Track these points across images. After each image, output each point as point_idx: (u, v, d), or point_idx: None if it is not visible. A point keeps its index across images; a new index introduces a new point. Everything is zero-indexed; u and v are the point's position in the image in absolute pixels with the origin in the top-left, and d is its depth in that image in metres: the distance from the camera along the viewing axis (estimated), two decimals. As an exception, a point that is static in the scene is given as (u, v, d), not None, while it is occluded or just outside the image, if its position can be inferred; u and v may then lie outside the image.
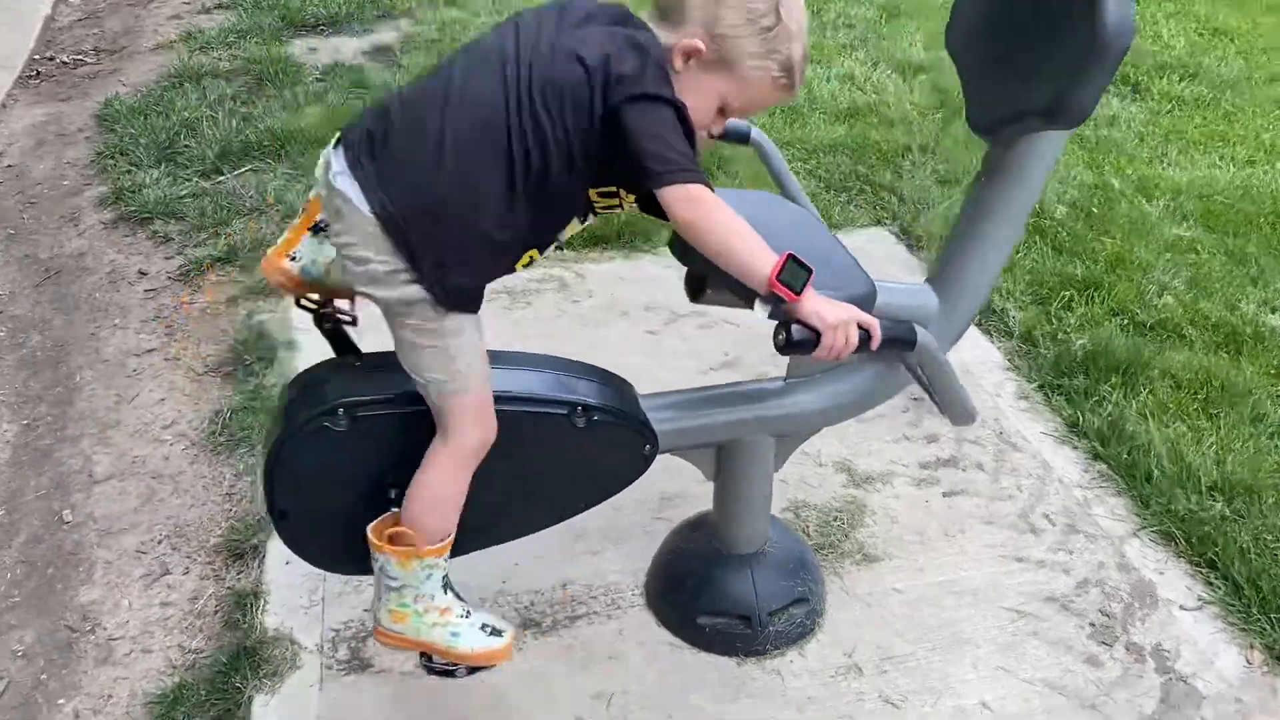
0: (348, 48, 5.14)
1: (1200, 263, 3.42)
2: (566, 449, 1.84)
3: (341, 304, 1.82)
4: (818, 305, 1.47)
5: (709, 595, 2.14)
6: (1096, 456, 2.65)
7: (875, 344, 1.49)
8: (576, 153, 1.49)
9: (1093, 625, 2.22)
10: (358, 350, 1.85)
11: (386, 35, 5.30)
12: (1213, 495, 2.47)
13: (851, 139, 4.25)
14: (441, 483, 1.67)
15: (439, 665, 1.79)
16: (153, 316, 3.19)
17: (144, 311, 3.22)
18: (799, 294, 1.45)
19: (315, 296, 1.81)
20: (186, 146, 4.03)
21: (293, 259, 1.78)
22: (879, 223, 3.72)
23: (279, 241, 1.81)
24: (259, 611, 2.21)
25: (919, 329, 1.55)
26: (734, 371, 2.95)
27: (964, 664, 2.13)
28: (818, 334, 1.46)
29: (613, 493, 1.94)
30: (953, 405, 1.75)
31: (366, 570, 1.90)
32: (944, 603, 2.26)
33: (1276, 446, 2.63)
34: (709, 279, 1.87)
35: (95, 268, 3.43)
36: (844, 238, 2.77)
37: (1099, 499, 2.54)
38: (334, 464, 1.76)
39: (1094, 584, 2.31)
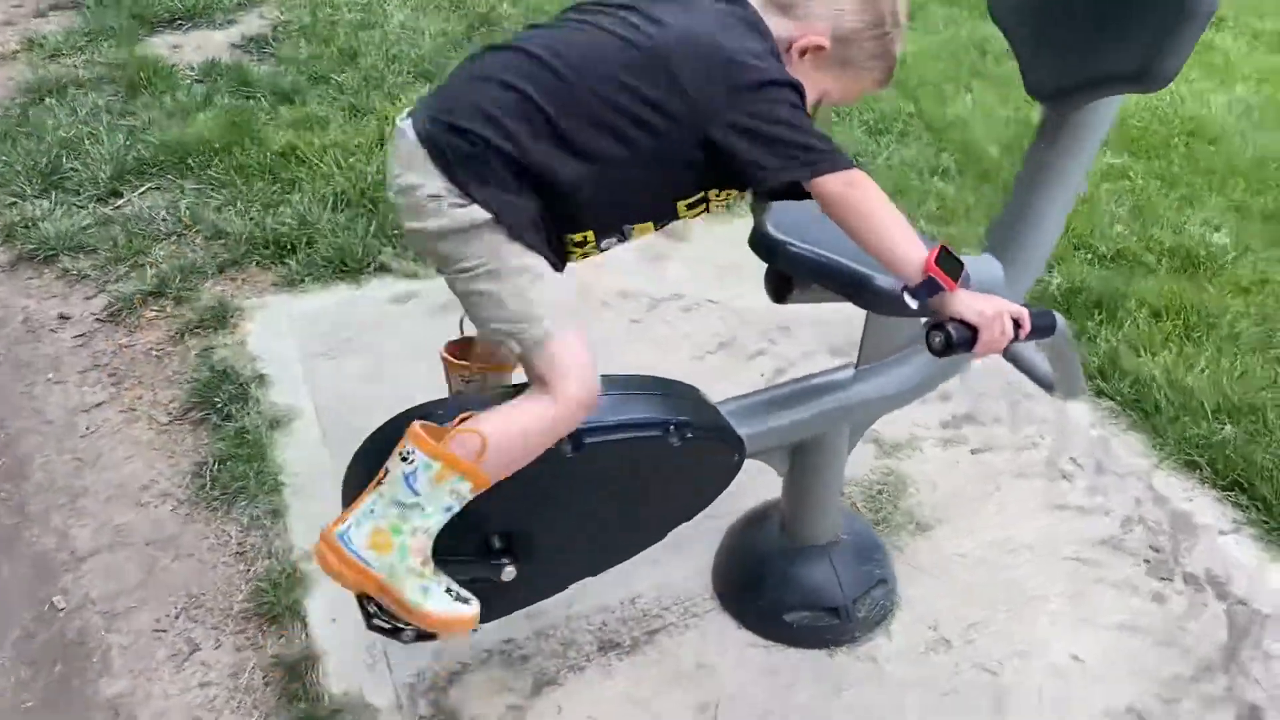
0: (214, 42, 4.77)
1: (1137, 189, 3.55)
2: (661, 470, 1.77)
3: None
4: (972, 299, 1.42)
5: (793, 591, 2.11)
6: (1100, 394, 2.74)
7: (1025, 334, 1.46)
8: (666, 130, 1.42)
9: (1147, 562, 2.29)
10: None
11: (254, 25, 4.95)
12: (1219, 419, 2.58)
13: (773, 96, 4.22)
14: (527, 425, 1.44)
15: (385, 622, 1.53)
16: (91, 365, 2.91)
17: (79, 361, 2.93)
18: (957, 282, 1.41)
19: None
20: (73, 170, 3.66)
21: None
22: (826, 180, 3.71)
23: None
24: (319, 677, 2.06)
25: (1056, 315, 1.54)
26: (730, 353, 2.91)
27: (1042, 620, 2.17)
28: (974, 330, 1.42)
29: (702, 508, 1.88)
30: (1070, 381, 1.75)
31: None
32: (1004, 562, 2.30)
33: (1262, 363, 2.76)
34: (795, 278, 1.80)
35: (6, 318, 3.10)
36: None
37: (1115, 436, 2.62)
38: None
39: (1135, 521, 2.39)
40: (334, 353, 2.90)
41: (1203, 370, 2.73)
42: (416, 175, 1.42)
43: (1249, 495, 2.41)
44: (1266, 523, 2.36)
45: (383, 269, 3.22)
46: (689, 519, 1.87)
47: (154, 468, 2.59)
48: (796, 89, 1.42)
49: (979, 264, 1.93)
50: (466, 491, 1.42)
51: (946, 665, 2.08)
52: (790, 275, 1.80)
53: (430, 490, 1.40)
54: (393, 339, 2.95)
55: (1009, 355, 1.86)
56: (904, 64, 4.48)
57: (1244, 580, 2.25)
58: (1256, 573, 2.27)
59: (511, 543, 1.68)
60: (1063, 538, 2.35)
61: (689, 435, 1.74)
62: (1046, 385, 1.84)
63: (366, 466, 1.67)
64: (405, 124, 1.45)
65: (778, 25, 1.47)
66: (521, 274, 1.43)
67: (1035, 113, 4.02)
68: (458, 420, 1.44)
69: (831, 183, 1.39)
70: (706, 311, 3.05)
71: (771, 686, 2.04)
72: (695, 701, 2.01)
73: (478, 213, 1.40)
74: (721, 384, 2.08)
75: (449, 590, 1.47)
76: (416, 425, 1.42)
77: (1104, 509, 2.42)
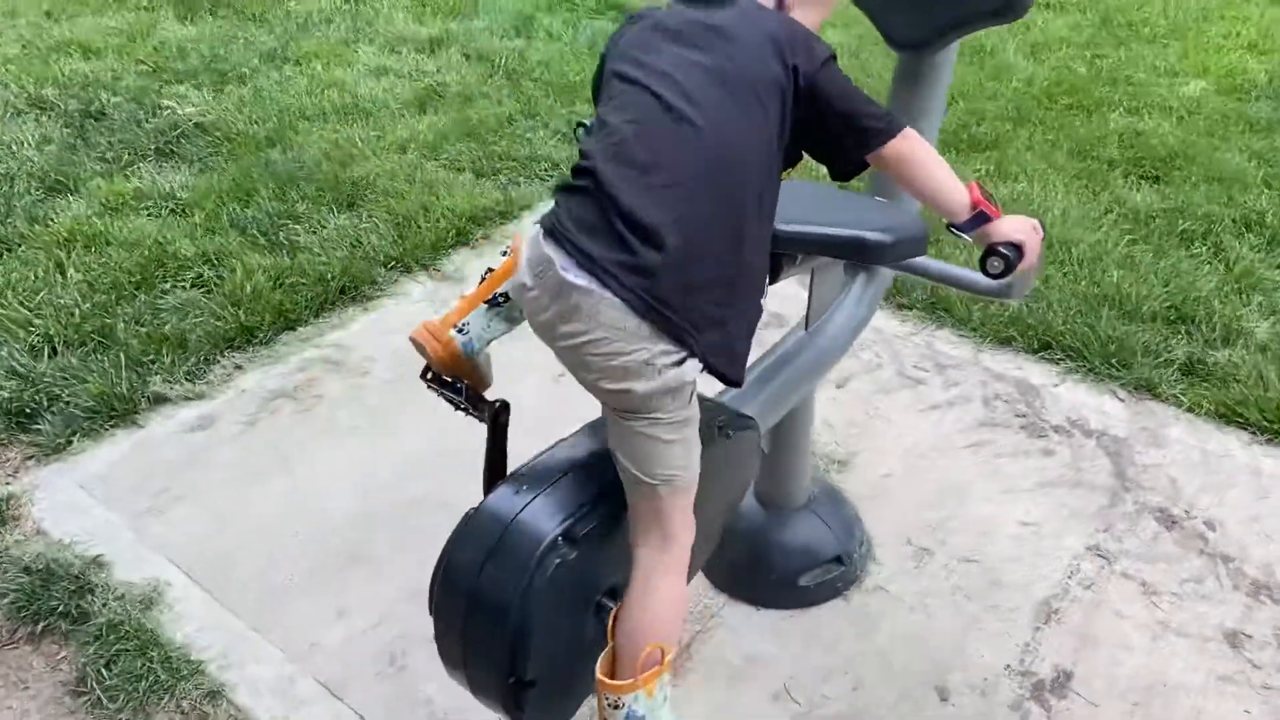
0: None
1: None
2: (723, 469, 1.77)
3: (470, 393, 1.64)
4: (1007, 222, 1.57)
5: (798, 556, 2.19)
6: (900, 307, 3.07)
7: (1041, 237, 1.64)
8: (779, 139, 1.43)
9: (1023, 428, 2.64)
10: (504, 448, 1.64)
11: None
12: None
13: (453, 125, 4.19)
14: (675, 590, 1.51)
15: None
16: None
17: None
18: (996, 206, 1.55)
19: (453, 379, 1.62)
20: None
21: (460, 330, 1.58)
22: (556, 190, 3.77)
23: (445, 313, 1.60)
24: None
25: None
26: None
27: (980, 502, 2.43)
28: (1018, 246, 1.57)
29: (743, 496, 1.91)
30: (1027, 279, 1.94)
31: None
32: (923, 467, 2.53)
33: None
34: (787, 257, 1.86)
35: None
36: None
37: (935, 338, 2.97)
38: (567, 599, 1.53)
39: (993, 399, 2.74)
40: (159, 506, 2.50)
41: (964, 262, 3.15)
42: (628, 343, 1.33)
43: (1060, 350, 2.85)
44: (1083, 367, 2.81)
45: (159, 400, 2.80)
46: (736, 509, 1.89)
47: (9, 708, 2.09)
48: (834, 55, 1.48)
49: (900, 205, 2.10)
50: (669, 678, 1.50)
51: (938, 568, 2.27)
52: (783, 255, 1.86)
53: (649, 703, 1.47)
54: (212, 470, 2.61)
55: (962, 283, 2.06)
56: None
57: (1093, 417, 2.67)
58: (1097, 406, 2.70)
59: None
60: (951, 431, 2.64)
61: (729, 433, 1.76)
62: (998, 293, 2.05)
63: (478, 575, 1.52)
64: (591, 284, 1.31)
65: None
66: (692, 424, 1.43)
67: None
68: (611, 627, 1.49)
69: (896, 145, 1.47)
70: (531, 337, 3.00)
71: (819, 647, 2.11)
72: (766, 690, 2.04)
73: (690, 371, 1.36)
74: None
75: None
76: (601, 677, 1.46)
77: (965, 397, 2.74)
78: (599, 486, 1.57)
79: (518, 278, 1.41)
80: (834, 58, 1.47)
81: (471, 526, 1.55)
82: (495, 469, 1.65)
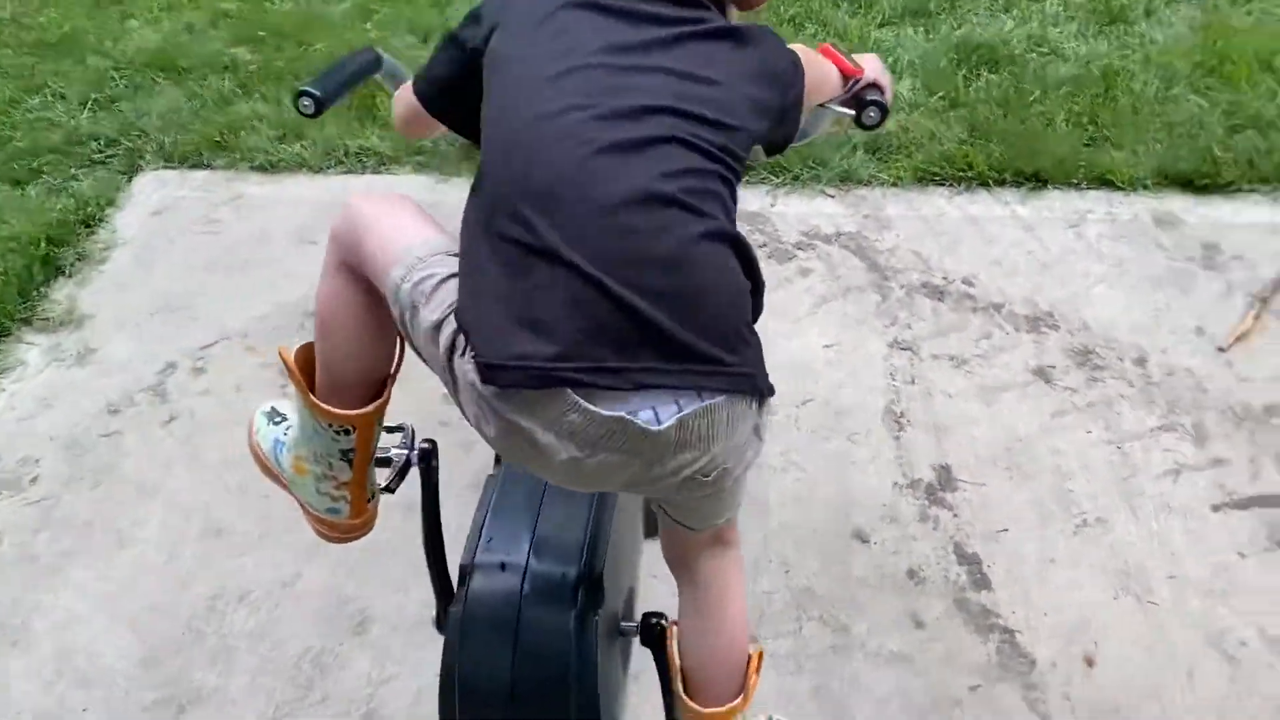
0: None
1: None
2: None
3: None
4: (866, 65, 1.45)
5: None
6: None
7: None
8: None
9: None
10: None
11: None
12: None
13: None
14: (742, 585, 1.34)
15: None
16: None
17: None
18: (859, 65, 1.43)
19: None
20: None
21: (371, 498, 1.35)
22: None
23: (340, 516, 1.32)
24: None
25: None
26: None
27: (779, 342, 2.38)
28: (878, 86, 1.47)
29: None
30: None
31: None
32: (784, 330, 2.44)
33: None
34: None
35: None
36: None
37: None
38: (606, 644, 1.33)
39: (820, 245, 2.68)
40: None
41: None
42: (738, 432, 1.06)
43: (759, 169, 2.85)
44: (788, 179, 2.85)
45: None
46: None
47: None
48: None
49: None
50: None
51: (784, 421, 2.24)
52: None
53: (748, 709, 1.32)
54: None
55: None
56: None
57: (821, 221, 2.74)
58: (818, 210, 2.76)
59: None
60: (795, 296, 2.54)
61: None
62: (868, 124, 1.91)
63: (520, 665, 1.24)
64: (665, 415, 0.99)
65: None
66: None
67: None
68: (677, 653, 1.32)
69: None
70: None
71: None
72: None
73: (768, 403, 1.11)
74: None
75: None
76: (703, 710, 1.28)
77: (793, 258, 2.64)
78: (579, 515, 1.34)
79: (541, 456, 1.02)
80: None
81: (471, 625, 1.25)
82: (434, 522, 1.35)
